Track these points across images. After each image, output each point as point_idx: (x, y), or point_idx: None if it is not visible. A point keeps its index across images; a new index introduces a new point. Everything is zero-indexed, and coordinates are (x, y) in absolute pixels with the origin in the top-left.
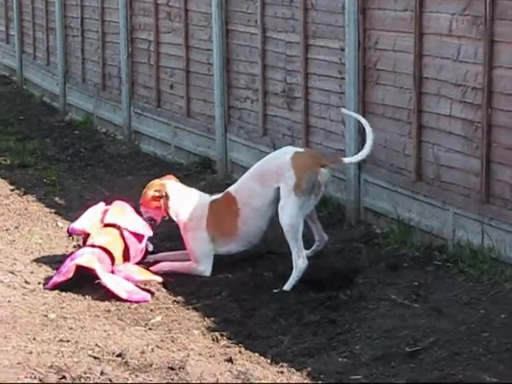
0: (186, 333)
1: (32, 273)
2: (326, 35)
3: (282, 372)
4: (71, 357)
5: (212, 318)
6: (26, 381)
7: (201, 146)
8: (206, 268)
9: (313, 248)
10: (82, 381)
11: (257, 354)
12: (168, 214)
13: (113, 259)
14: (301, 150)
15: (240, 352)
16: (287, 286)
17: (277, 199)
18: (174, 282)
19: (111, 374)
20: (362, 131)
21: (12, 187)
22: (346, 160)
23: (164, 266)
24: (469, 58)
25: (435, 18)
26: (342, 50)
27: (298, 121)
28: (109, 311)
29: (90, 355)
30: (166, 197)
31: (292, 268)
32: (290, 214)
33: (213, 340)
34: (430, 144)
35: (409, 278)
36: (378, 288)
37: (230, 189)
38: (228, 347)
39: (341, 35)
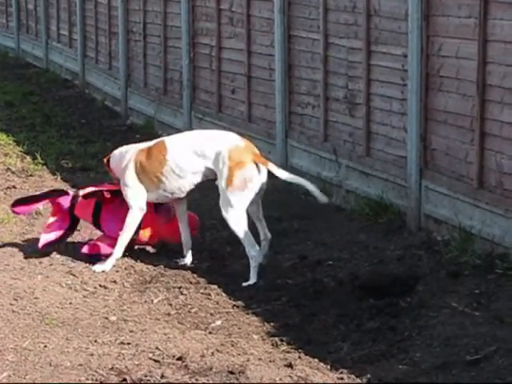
0: (245, 337)
1: (92, 274)
2: (389, 41)
3: (341, 378)
4: (132, 359)
5: (272, 323)
6: (87, 382)
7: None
8: (139, 207)
9: (262, 253)
10: (143, 383)
11: (316, 360)
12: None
13: None
14: (241, 142)
15: (300, 357)
16: (252, 279)
17: (204, 174)
18: (234, 287)
19: (171, 377)
20: (423, 138)
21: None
22: (272, 167)
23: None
24: None
25: (499, 25)
26: (405, 56)
27: (360, 127)
28: (169, 315)
29: (150, 358)
30: (107, 161)
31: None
32: (228, 209)
33: (272, 345)
34: (492, 152)
35: (470, 286)
36: (439, 296)
37: (166, 138)
38: (288, 352)
39: (404, 42)
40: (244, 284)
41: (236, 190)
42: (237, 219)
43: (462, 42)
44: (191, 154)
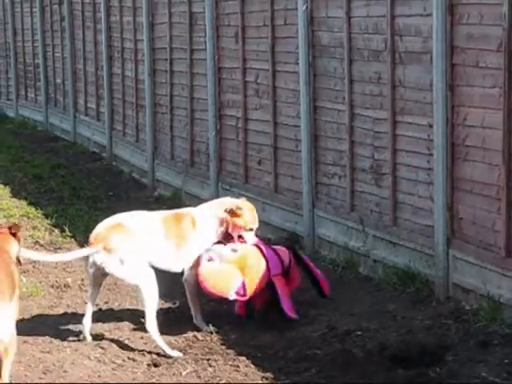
0: None
1: (121, 347)
2: (414, 112)
3: None
4: None
5: None
6: None
7: (288, 222)
8: None
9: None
10: None
11: None
12: None
13: None
14: (101, 229)
15: None
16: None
17: None
18: (263, 358)
19: None
20: (450, 207)
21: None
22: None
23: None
24: None
25: None
26: (431, 126)
27: (386, 197)
28: None
29: None
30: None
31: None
32: None
33: None
34: None
35: (499, 356)
36: (468, 366)
37: None
38: None
39: (429, 112)
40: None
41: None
42: None
43: (487, 111)
44: None
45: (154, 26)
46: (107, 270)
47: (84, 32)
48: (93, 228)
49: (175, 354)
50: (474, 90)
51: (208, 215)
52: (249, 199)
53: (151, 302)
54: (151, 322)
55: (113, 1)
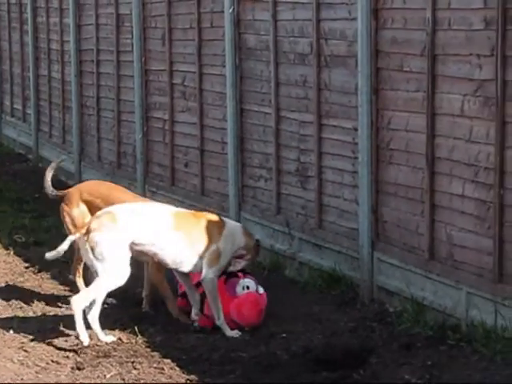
0: None
1: (44, 350)
2: (340, 115)
3: None
4: None
5: None
6: None
7: None
8: None
9: None
10: None
11: None
12: None
13: None
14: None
15: None
16: None
17: None
18: (188, 361)
19: None
20: (375, 210)
21: (27, 265)
22: None
23: None
24: (481, 139)
25: (447, 98)
26: (355, 129)
27: (312, 199)
28: None
29: None
30: None
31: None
32: None
33: None
34: (442, 223)
35: (422, 358)
36: (392, 368)
37: None
38: None
39: (354, 115)
40: None
41: None
42: None
43: (411, 115)
44: None
45: (80, 28)
46: None
47: (10, 33)
48: (19, 229)
49: (86, 340)
50: (398, 94)
51: None
52: (175, 201)
53: (100, 288)
54: (80, 301)
55: (39, 2)
